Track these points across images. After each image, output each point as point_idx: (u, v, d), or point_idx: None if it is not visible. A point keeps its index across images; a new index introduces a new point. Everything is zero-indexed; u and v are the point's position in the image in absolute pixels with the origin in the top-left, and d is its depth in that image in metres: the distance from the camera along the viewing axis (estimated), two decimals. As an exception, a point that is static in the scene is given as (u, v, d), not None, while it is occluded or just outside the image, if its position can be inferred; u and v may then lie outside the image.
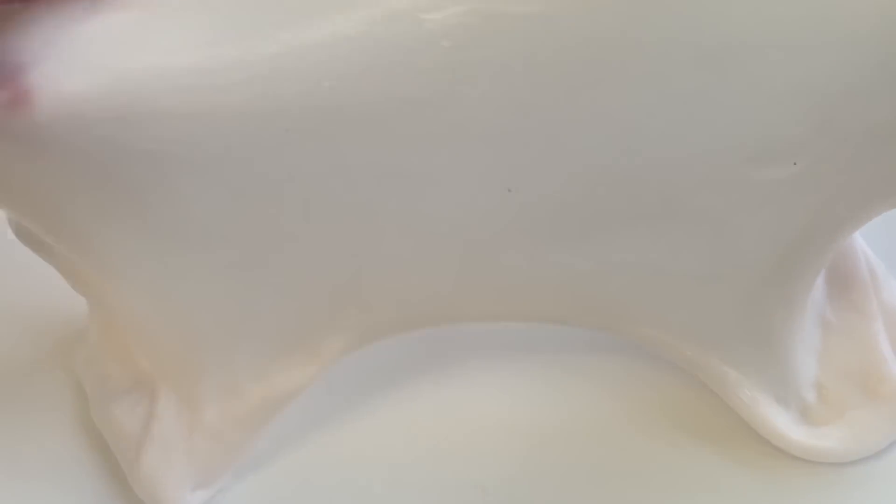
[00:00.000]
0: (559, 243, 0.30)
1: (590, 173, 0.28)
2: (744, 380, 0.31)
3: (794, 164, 0.29)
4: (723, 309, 0.32)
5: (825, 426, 0.31)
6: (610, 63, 0.26)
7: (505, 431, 0.32)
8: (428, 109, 0.26)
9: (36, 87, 0.24)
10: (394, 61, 0.25)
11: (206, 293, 0.29)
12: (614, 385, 0.33)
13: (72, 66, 0.24)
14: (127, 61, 0.24)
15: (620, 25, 0.26)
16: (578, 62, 0.26)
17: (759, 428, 0.31)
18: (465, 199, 0.28)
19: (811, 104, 0.27)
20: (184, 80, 0.25)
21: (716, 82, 0.27)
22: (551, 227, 0.30)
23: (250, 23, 0.25)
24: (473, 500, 0.30)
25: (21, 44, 0.24)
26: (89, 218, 0.27)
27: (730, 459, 0.31)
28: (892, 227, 0.34)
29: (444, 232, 0.29)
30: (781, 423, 0.31)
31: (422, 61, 0.26)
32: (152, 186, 0.26)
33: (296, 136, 0.26)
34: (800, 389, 0.32)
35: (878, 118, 0.28)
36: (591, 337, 0.33)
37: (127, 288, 0.29)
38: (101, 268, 0.29)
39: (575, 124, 0.27)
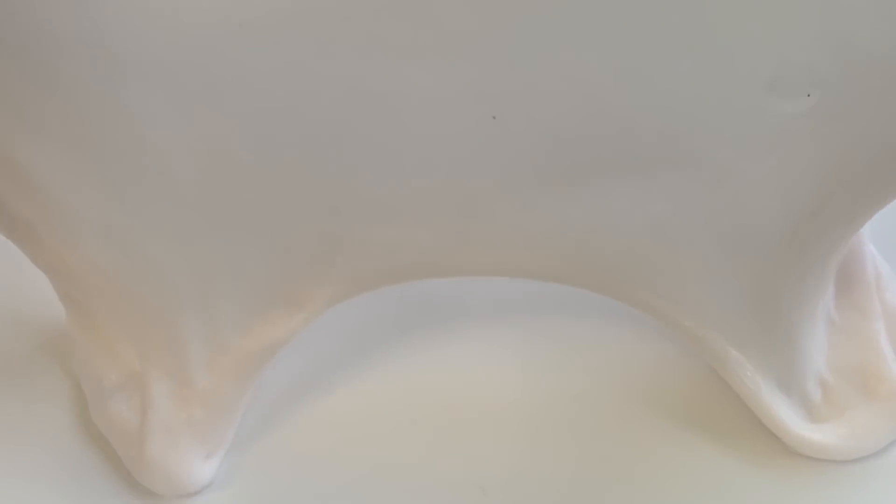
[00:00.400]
0: (551, 190, 0.27)
1: (583, 99, 0.25)
2: (746, 362, 0.30)
3: (809, 95, 0.26)
4: (730, 281, 0.29)
5: (825, 423, 0.30)
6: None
7: (505, 429, 0.31)
8: (403, 9, 0.23)
9: None
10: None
11: (171, 239, 0.27)
12: (618, 378, 0.32)
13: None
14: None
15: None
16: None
17: (760, 414, 0.30)
18: (446, 126, 0.25)
19: (828, 21, 0.25)
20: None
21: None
22: (542, 169, 0.27)
23: None
24: (473, 501, 0.29)
25: None
26: (21, 138, 0.24)
27: (737, 458, 0.30)
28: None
29: (427, 167, 0.26)
30: (783, 413, 0.30)
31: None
32: (89, 93, 0.23)
33: (251, 34, 0.23)
34: (804, 382, 0.30)
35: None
36: (594, 326, 0.33)
37: (83, 239, 0.27)
38: (51, 214, 0.26)
39: (566, 37, 0.24)
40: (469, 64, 0.24)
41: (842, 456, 0.30)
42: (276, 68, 0.23)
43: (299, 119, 0.25)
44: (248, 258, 0.28)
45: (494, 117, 0.25)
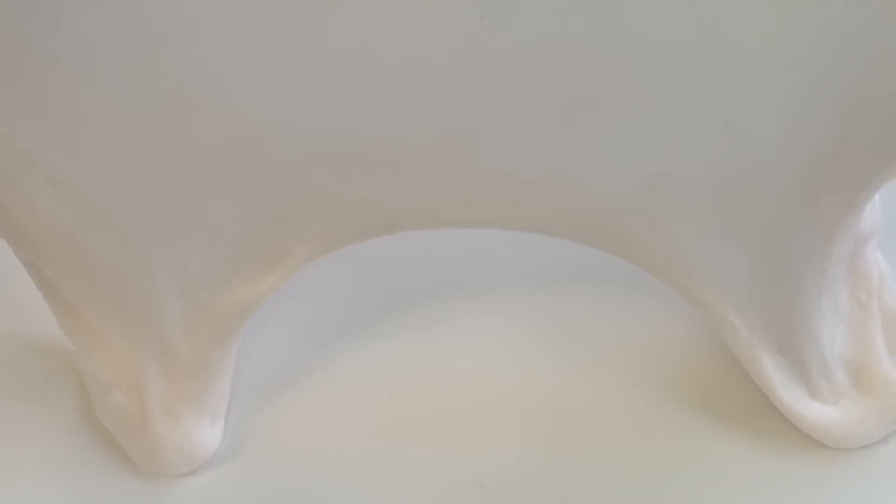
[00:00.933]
0: (542, 129, 0.25)
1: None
2: (743, 327, 0.29)
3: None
4: (732, 240, 0.27)
5: (822, 405, 0.30)
6: None
7: (507, 425, 0.30)
8: None
9: None
10: None
11: (120, 181, 0.25)
12: (621, 372, 0.31)
13: None
14: None
15: None
16: None
17: (756, 379, 0.30)
18: (425, 30, 0.23)
19: None
20: None
21: None
22: (532, 99, 0.24)
23: None
24: (473, 500, 0.29)
25: None
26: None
27: (744, 445, 0.30)
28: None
29: (405, 95, 0.24)
30: (778, 381, 0.29)
31: None
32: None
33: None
34: (805, 356, 0.29)
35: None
36: (596, 318, 0.32)
37: (23, 183, 0.25)
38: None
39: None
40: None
41: (829, 440, 0.30)
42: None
43: (246, 34, 0.22)
44: (215, 209, 0.26)
45: (482, 17, 0.23)
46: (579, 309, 0.32)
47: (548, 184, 0.26)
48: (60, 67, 0.23)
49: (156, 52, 0.23)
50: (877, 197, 0.30)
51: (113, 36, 0.22)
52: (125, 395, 0.29)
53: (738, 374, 0.30)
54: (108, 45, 0.22)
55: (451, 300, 0.33)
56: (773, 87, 0.24)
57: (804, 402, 0.29)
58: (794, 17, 0.23)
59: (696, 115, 0.25)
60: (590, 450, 0.29)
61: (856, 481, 0.29)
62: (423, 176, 0.26)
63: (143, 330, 0.28)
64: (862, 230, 0.30)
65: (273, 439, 0.30)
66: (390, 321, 0.33)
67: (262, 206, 0.26)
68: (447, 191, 0.27)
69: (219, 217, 0.26)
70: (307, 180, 0.26)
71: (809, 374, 0.29)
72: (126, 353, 0.29)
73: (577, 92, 0.24)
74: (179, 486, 0.30)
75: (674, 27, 0.23)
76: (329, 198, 0.26)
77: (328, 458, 0.30)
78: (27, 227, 0.27)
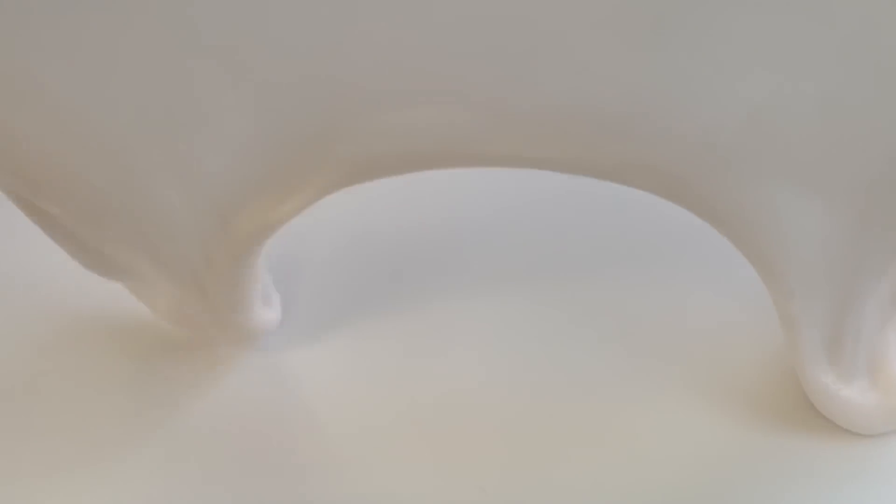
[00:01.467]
0: (623, 42, 0.21)
1: None
2: (799, 283, 0.26)
3: None
4: (825, 189, 0.24)
5: (836, 377, 0.29)
6: None
7: (506, 427, 0.30)
8: None
9: None
10: None
11: (106, 73, 0.23)
12: (626, 370, 0.31)
13: None
14: None
15: None
16: None
17: (785, 328, 0.28)
18: None
19: None
20: None
21: None
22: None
23: None
24: (473, 501, 0.29)
25: None
26: None
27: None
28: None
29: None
30: (808, 338, 0.28)
31: None
32: None
33: None
34: (845, 328, 0.28)
35: None
36: (599, 321, 0.32)
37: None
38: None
39: None
40: None
41: (828, 411, 0.29)
42: None
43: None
44: (228, 119, 0.24)
45: None
46: (581, 312, 0.32)
47: (620, 120, 0.22)
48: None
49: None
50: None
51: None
52: (175, 316, 0.30)
53: (740, 375, 0.30)
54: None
55: (452, 301, 0.33)
56: None
57: (822, 368, 0.28)
58: None
59: (831, 23, 0.21)
60: (590, 454, 0.29)
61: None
62: (470, 103, 0.23)
63: (166, 255, 0.28)
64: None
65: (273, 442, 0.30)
66: (392, 321, 0.33)
67: (284, 124, 0.24)
68: (494, 121, 0.23)
69: (233, 129, 0.24)
70: (339, 97, 0.23)
71: (841, 347, 0.28)
72: (160, 278, 0.29)
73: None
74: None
75: None
76: (363, 122, 0.24)
77: (326, 459, 0.30)
78: (29, 170, 0.25)
